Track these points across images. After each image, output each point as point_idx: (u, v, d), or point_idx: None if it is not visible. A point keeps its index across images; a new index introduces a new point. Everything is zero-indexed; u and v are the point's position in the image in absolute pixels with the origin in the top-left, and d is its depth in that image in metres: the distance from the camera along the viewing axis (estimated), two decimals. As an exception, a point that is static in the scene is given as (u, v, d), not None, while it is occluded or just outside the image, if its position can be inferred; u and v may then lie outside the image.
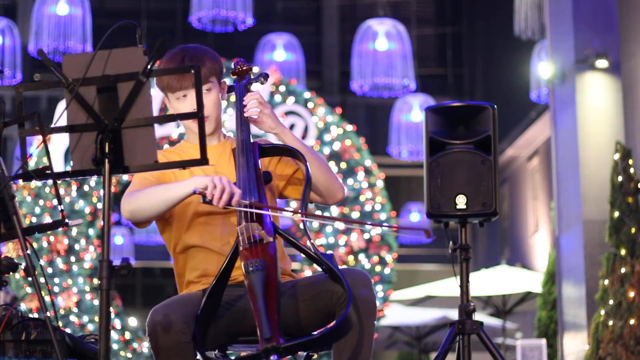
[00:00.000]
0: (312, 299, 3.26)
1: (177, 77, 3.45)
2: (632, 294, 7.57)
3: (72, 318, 11.04)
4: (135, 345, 11.33)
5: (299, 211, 3.36)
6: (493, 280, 12.89)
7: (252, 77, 3.63)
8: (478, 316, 11.62)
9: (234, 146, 3.49)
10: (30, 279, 2.99)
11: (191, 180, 3.25)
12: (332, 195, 3.53)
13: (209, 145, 3.46)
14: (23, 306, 10.66)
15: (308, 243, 3.28)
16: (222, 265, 3.24)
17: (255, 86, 3.66)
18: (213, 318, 3.23)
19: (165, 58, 3.52)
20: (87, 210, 11.26)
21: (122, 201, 3.36)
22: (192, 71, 2.96)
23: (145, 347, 11.29)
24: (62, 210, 3.09)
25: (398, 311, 14.02)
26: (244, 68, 3.63)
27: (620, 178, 7.99)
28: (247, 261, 3.17)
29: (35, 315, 3.88)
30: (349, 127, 11.46)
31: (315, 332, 3.26)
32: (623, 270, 7.67)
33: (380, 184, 11.36)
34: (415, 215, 18.34)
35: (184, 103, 3.48)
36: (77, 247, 11.24)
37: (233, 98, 3.75)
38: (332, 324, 3.15)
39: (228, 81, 3.71)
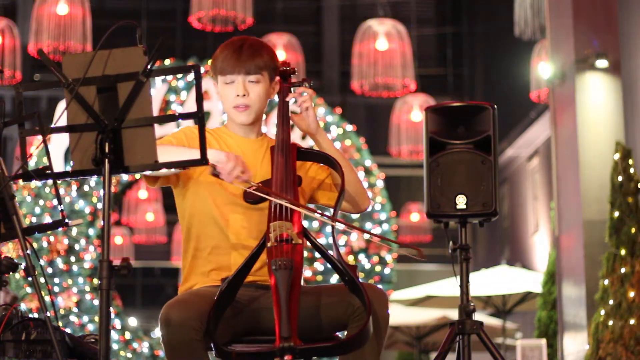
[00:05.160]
0: (329, 307, 3.28)
1: (230, 60, 3.44)
2: (632, 294, 7.57)
3: (72, 318, 11.04)
4: (135, 345, 11.33)
5: (320, 212, 3.38)
6: (493, 280, 12.89)
7: (295, 79, 3.64)
8: (478, 316, 11.61)
9: (272, 144, 3.49)
10: (30, 279, 2.99)
11: (208, 151, 3.26)
12: (359, 205, 3.58)
13: (247, 138, 3.50)
14: (23, 306, 10.66)
15: (333, 252, 3.30)
16: (245, 259, 3.25)
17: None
18: (224, 313, 3.22)
19: (226, 42, 3.53)
20: (87, 210, 11.26)
21: None
22: (192, 71, 2.96)
23: (145, 347, 11.28)
24: (62, 210, 3.09)
25: (398, 311, 14.01)
26: (289, 69, 3.63)
27: (620, 178, 7.98)
28: (275, 258, 3.17)
29: (35, 315, 3.88)
30: (349, 127, 11.47)
31: (330, 340, 3.28)
32: (623, 270, 7.67)
33: (380, 184, 11.36)
34: (415, 215, 18.33)
35: (230, 89, 3.48)
36: (77, 247, 11.24)
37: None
38: (352, 334, 3.17)
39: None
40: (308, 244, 3.33)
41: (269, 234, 3.23)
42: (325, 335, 3.30)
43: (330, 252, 3.30)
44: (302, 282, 3.24)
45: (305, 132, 3.54)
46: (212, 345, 3.16)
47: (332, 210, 3.45)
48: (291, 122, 3.56)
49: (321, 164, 3.57)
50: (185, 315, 3.13)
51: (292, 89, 3.58)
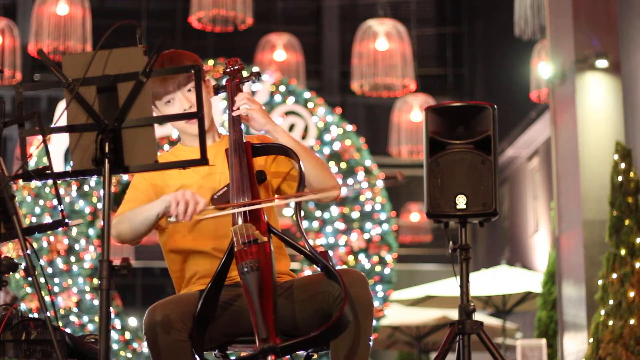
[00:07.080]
0: (309, 300, 3.26)
1: (160, 83, 3.42)
2: (632, 294, 7.57)
3: (72, 318, 11.03)
4: (135, 345, 11.33)
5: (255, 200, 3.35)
6: (493, 280, 12.89)
7: (243, 76, 3.59)
8: (478, 316, 11.61)
9: (227, 146, 3.47)
10: (30, 279, 2.99)
11: (158, 201, 3.27)
12: (327, 192, 3.50)
13: None
14: (23, 306, 10.66)
15: (304, 242, 3.28)
16: (218, 267, 3.24)
17: (247, 85, 3.64)
18: (211, 318, 3.23)
19: None
20: (87, 210, 11.26)
21: (112, 222, 3.36)
22: (192, 71, 2.96)
23: (145, 347, 11.28)
24: (62, 210, 3.09)
25: (398, 311, 14.02)
26: (236, 67, 3.57)
27: (620, 178, 7.98)
28: (242, 262, 3.18)
29: (35, 315, 3.88)
30: (349, 127, 11.46)
31: (309, 332, 3.26)
32: (623, 270, 7.67)
33: (380, 184, 11.36)
34: (415, 215, 18.32)
35: (172, 107, 3.47)
36: (77, 247, 11.23)
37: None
38: (329, 323, 3.15)
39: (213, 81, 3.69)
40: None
41: (233, 238, 3.23)
42: (312, 330, 3.26)
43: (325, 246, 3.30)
44: (275, 275, 3.22)
45: (259, 130, 3.49)
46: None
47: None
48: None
49: (283, 156, 3.52)
50: (167, 317, 3.14)
51: (238, 87, 3.53)
